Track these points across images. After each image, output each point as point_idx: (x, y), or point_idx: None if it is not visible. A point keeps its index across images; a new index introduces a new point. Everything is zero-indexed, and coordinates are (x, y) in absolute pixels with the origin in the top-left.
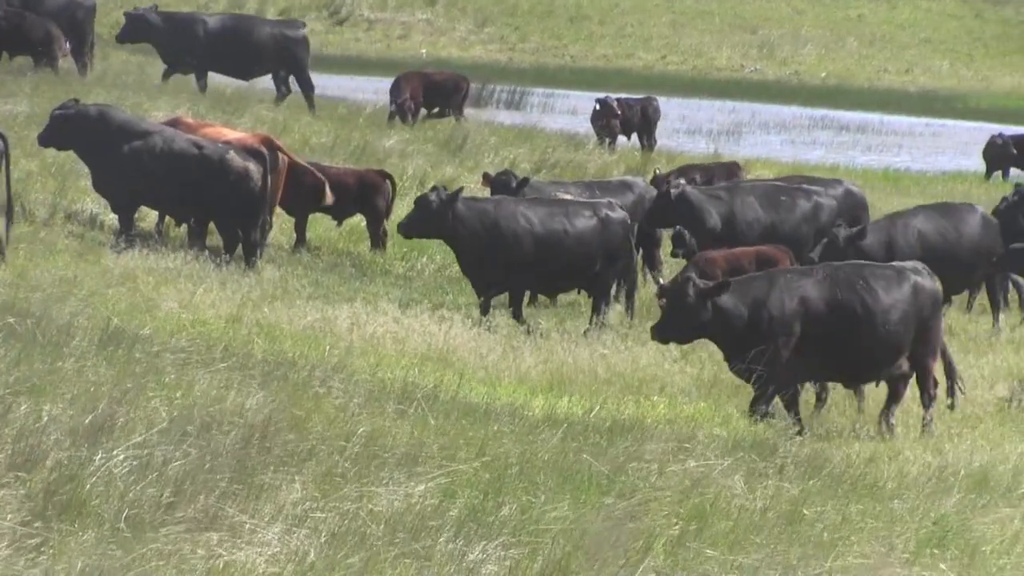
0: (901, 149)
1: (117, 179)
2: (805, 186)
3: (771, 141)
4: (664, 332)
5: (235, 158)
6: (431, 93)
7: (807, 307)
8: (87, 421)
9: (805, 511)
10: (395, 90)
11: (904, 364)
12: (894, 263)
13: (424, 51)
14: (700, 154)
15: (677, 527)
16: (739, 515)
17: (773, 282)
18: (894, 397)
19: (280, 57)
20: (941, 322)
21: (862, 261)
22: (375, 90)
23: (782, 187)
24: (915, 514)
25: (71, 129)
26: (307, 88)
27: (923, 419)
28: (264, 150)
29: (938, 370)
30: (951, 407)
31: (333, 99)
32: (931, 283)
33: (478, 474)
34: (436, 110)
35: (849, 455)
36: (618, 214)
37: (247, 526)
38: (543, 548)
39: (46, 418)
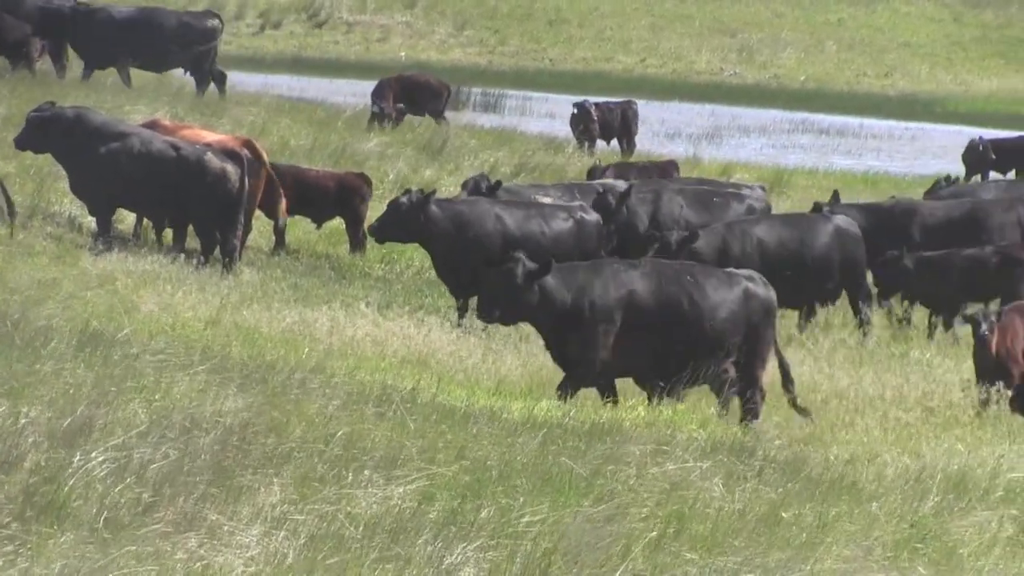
0: (880, 153)
1: (95, 181)
2: (738, 186)
3: (751, 144)
4: (490, 311)
5: (213, 160)
6: (413, 96)
7: (632, 298)
8: (66, 423)
9: (784, 514)
10: (378, 93)
11: (730, 369)
12: (728, 269)
13: (403, 54)
14: (680, 157)
15: (656, 530)
16: (718, 518)
17: (599, 270)
18: (749, 413)
19: (190, 48)
20: (772, 332)
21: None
22: (354, 93)
23: (714, 189)
24: (893, 516)
25: (48, 132)
26: (218, 80)
27: (742, 422)
28: (242, 152)
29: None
30: (803, 413)
31: (312, 102)
32: (764, 291)
33: (457, 477)
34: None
35: (828, 457)
36: (592, 216)
37: (226, 528)
38: (522, 551)
39: (24, 420)
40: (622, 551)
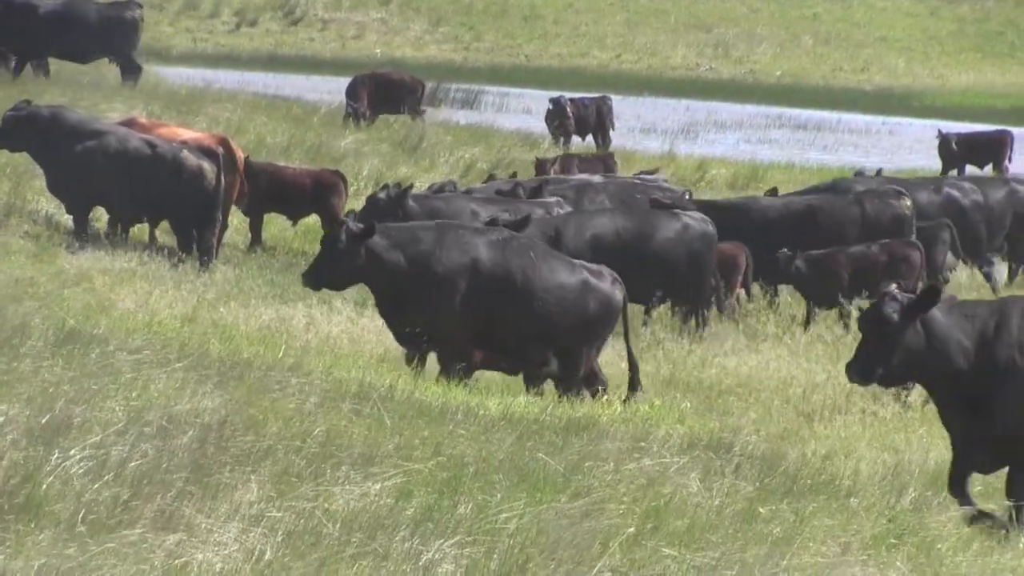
0: (857, 148)
1: (71, 180)
2: (663, 183)
3: (727, 140)
4: (315, 278)
5: (189, 157)
6: (386, 93)
7: (475, 265)
8: (43, 421)
9: (761, 509)
10: (351, 91)
11: (552, 363)
12: (578, 261)
13: (379, 51)
14: (655, 153)
15: (633, 526)
16: (695, 513)
17: (443, 234)
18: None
19: (111, 39)
20: (607, 331)
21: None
22: (329, 90)
23: (638, 184)
24: (871, 512)
25: (24, 130)
26: (131, 71)
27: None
28: (218, 149)
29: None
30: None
31: (288, 99)
32: (607, 288)
33: (434, 473)
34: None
35: (805, 453)
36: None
37: (204, 525)
38: (499, 547)
39: (2, 418)
40: (600, 547)
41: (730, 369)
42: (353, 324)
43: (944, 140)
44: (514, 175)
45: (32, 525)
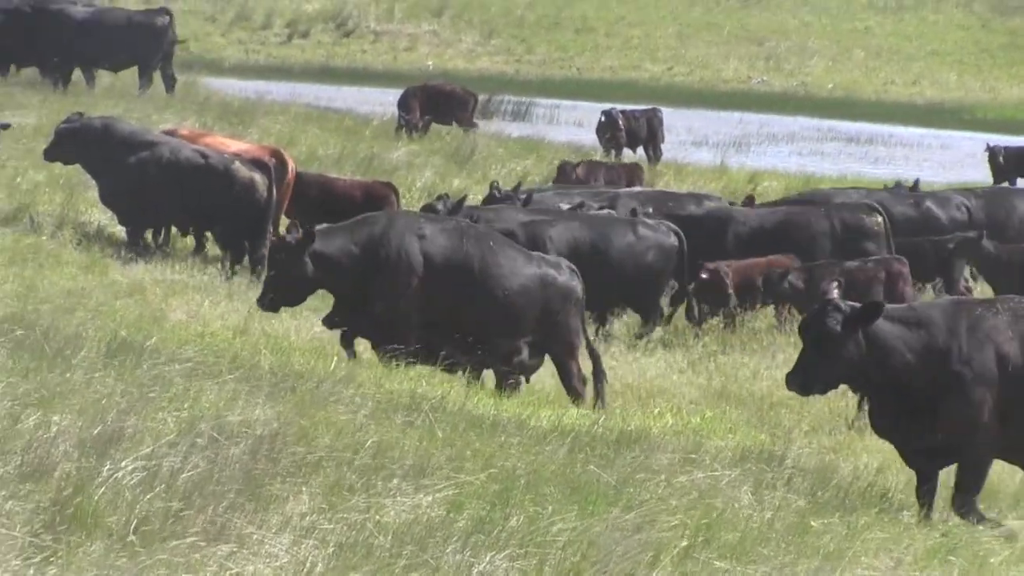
0: (909, 161)
1: (124, 191)
2: (696, 192)
3: (778, 152)
4: (270, 301)
5: (241, 168)
6: (437, 105)
7: (431, 252)
8: (95, 432)
9: (813, 522)
10: (403, 103)
11: (523, 351)
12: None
13: (430, 63)
14: (707, 166)
15: (684, 538)
16: (746, 526)
17: (392, 223)
18: (572, 395)
19: (141, 46)
20: (575, 321)
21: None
22: (382, 102)
23: (671, 193)
24: (923, 525)
25: (77, 143)
26: (148, 81)
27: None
28: (270, 161)
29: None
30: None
31: (340, 111)
32: (566, 278)
33: (485, 485)
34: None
35: (857, 466)
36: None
37: (255, 537)
38: (551, 559)
39: (55, 429)
40: (651, 560)
41: (782, 381)
42: None
43: (992, 153)
44: (517, 186)
45: (84, 536)
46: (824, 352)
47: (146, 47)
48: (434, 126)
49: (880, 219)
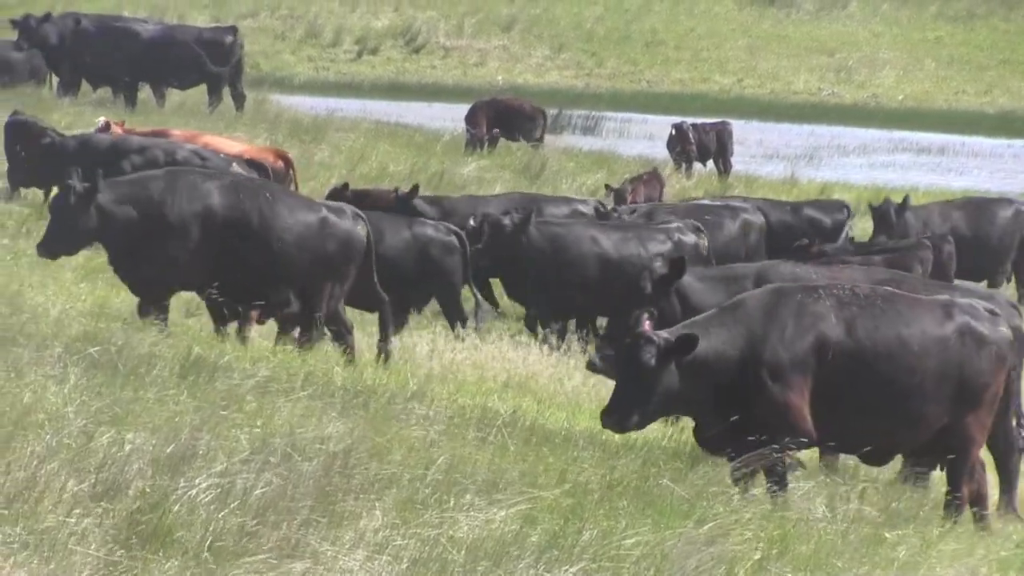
0: (982, 171)
1: None
2: (732, 204)
3: (849, 164)
4: (49, 247)
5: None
6: (504, 120)
7: (209, 210)
8: (169, 450)
9: (887, 534)
10: (470, 117)
11: (293, 304)
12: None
13: (500, 77)
14: (778, 179)
15: (758, 551)
16: (820, 538)
17: (173, 182)
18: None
19: (209, 64)
20: (351, 267)
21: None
22: (452, 118)
23: (706, 206)
24: (999, 536)
25: None
26: (217, 98)
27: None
28: (275, 163)
29: None
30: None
31: (410, 126)
32: (348, 225)
33: (558, 500)
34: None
35: (930, 477)
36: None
37: (329, 554)
38: (624, 573)
39: (128, 447)
40: (725, 573)
41: None
42: (476, 351)
43: None
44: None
45: (159, 553)
46: (638, 387)
47: (214, 65)
48: (503, 141)
49: (704, 242)
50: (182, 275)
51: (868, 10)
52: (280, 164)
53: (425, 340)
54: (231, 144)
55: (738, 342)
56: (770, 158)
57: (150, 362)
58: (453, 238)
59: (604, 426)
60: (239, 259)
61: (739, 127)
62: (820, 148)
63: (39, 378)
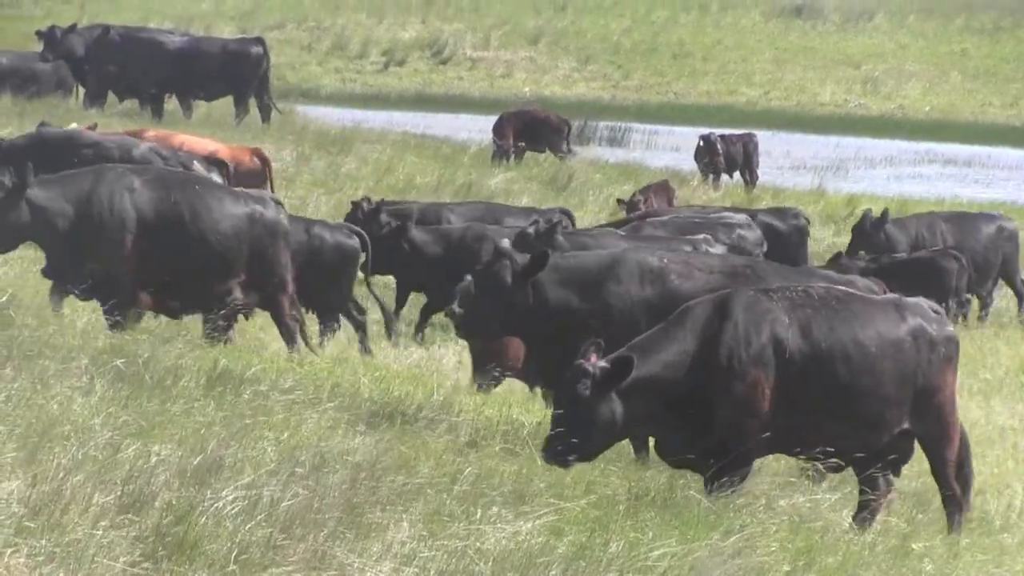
0: (1009, 183)
1: None
2: (727, 216)
3: (876, 176)
4: None
5: (198, 168)
6: (530, 131)
7: (139, 204)
8: (196, 462)
9: (914, 545)
10: (497, 128)
11: (235, 290)
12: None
13: (527, 89)
14: (804, 190)
15: (786, 562)
16: (847, 550)
17: (100, 177)
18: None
19: (235, 76)
20: (285, 256)
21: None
22: (479, 129)
23: (698, 221)
24: None
25: None
26: (244, 110)
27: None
28: (251, 161)
29: None
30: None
31: (437, 138)
32: (272, 214)
33: (585, 511)
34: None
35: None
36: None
37: (356, 566)
38: None
39: (155, 459)
40: None
41: None
42: None
43: None
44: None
45: (186, 565)
46: (576, 420)
47: (241, 76)
48: (530, 153)
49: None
50: (129, 268)
51: (894, 22)
52: (257, 163)
53: (451, 352)
54: (205, 143)
55: (690, 349)
56: (797, 169)
57: (176, 374)
58: (354, 240)
59: (545, 461)
60: (173, 251)
61: (766, 139)
62: (846, 160)
63: (65, 390)
